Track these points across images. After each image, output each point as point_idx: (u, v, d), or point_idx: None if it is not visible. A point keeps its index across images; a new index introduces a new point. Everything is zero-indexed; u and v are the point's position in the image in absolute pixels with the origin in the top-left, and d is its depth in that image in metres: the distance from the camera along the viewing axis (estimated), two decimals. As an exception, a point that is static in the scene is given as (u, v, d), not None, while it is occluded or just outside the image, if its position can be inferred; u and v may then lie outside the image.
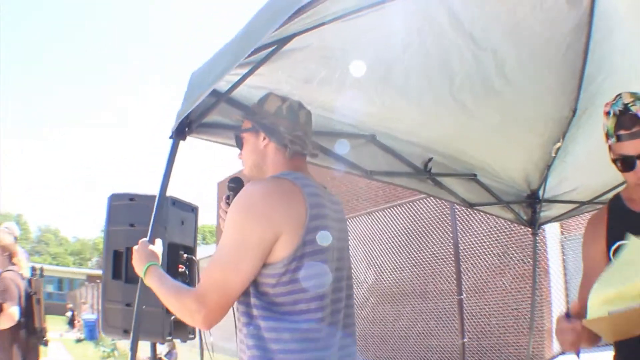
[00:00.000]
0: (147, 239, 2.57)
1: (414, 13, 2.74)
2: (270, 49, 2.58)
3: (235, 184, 2.45)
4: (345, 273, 2.32)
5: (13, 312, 5.87)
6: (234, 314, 2.20)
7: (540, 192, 5.08)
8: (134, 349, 2.93)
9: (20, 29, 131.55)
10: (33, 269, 7.10)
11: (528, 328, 6.51)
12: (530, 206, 5.34)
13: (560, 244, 11.20)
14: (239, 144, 2.42)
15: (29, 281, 6.88)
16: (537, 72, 3.39)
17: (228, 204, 2.38)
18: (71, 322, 30.45)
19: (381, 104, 3.33)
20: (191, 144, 3.20)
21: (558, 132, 4.16)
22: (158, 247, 2.52)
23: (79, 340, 23.73)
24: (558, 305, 10.88)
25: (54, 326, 28.81)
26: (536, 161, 4.56)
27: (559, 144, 4.30)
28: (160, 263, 2.41)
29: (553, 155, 4.46)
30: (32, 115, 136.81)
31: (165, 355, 11.79)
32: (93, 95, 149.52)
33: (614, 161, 2.30)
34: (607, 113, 2.29)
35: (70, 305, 33.68)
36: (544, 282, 10.96)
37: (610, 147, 2.30)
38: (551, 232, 10.95)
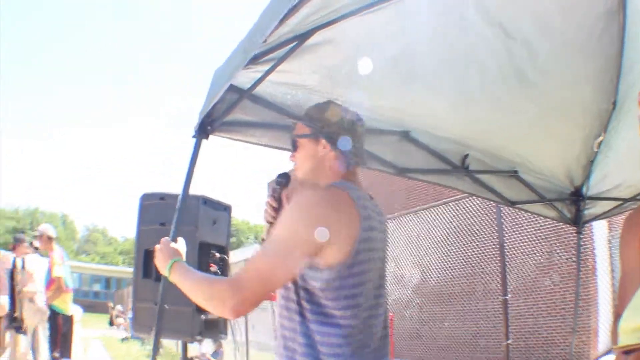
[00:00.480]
0: (169, 237, 2.56)
1: (438, 3, 2.66)
2: (291, 45, 2.55)
3: (283, 179, 2.45)
4: (384, 282, 2.34)
5: (4, 303, 6.21)
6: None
7: (584, 190, 4.88)
8: (156, 346, 2.92)
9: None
10: (14, 262, 7.50)
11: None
12: (574, 204, 5.14)
13: (607, 243, 10.94)
14: (294, 147, 2.39)
15: (11, 273, 7.19)
16: (571, 60, 3.21)
17: (274, 197, 2.42)
18: (111, 321, 30.96)
19: (410, 99, 3.26)
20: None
21: (599, 124, 3.96)
22: (181, 245, 2.49)
23: (124, 339, 24.03)
24: (605, 305, 10.65)
25: (97, 324, 29.35)
26: (577, 156, 4.36)
27: (600, 138, 4.09)
28: (184, 260, 2.38)
29: (595, 149, 4.26)
30: (76, 115, 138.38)
31: (212, 355, 11.89)
32: (130, 94, 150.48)
33: None
34: None
35: (110, 304, 34.19)
36: (591, 281, 10.72)
37: None
38: (598, 230, 10.70)
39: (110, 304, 34.77)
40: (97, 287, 58.10)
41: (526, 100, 3.50)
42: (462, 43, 2.92)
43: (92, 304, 42.29)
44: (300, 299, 2.08)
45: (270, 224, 2.40)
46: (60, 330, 7.78)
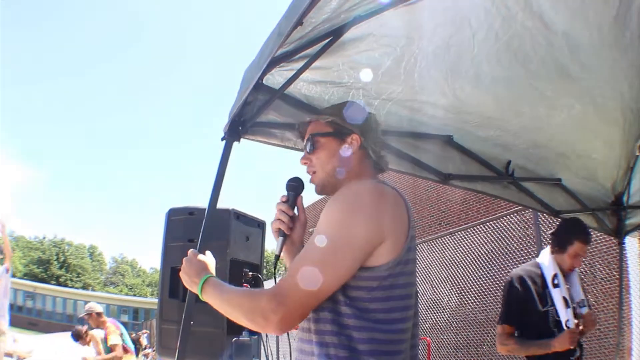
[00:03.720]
0: (196, 249, 2.30)
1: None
2: (326, 40, 2.43)
3: (296, 183, 2.24)
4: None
5: None
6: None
7: (625, 198, 4.78)
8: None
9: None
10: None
11: (610, 347, 6.10)
12: (615, 213, 5.07)
13: (639, 259, 10.69)
14: (312, 146, 2.19)
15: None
16: (609, 54, 2.98)
17: (286, 203, 2.22)
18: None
19: (453, 94, 3.08)
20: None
21: (639, 125, 3.77)
22: (209, 258, 2.26)
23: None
24: (638, 323, 10.37)
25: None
26: (619, 158, 4.19)
27: None
28: (214, 274, 2.16)
29: (637, 153, 4.10)
30: (106, 144, 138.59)
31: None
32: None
33: None
34: None
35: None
36: (625, 298, 10.45)
37: None
38: (630, 247, 10.45)
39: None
40: (125, 318, 57.88)
41: (568, 95, 3.30)
42: (505, 35, 2.71)
43: (116, 335, 41.94)
44: (340, 306, 1.85)
45: (285, 236, 2.21)
46: None
